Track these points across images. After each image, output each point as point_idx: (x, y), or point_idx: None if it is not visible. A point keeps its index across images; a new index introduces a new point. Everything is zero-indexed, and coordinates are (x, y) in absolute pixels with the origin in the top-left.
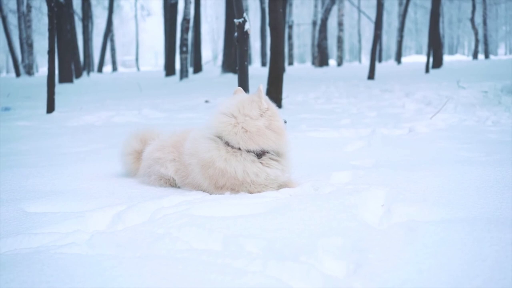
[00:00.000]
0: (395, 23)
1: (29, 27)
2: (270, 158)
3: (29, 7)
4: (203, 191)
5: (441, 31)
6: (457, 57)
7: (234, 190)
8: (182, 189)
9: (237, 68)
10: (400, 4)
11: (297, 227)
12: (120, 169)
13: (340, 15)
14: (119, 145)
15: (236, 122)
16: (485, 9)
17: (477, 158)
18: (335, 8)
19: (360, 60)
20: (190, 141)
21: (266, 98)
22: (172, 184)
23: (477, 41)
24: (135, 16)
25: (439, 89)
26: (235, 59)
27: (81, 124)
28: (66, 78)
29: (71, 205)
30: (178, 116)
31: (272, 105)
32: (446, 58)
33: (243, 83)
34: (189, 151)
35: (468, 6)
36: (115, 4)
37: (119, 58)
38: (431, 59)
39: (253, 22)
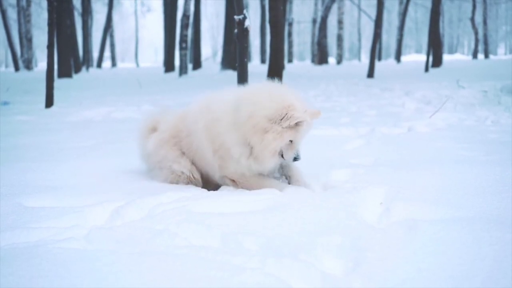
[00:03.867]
0: (395, 22)
1: (28, 21)
2: None
3: (29, 1)
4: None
5: (441, 30)
6: (457, 56)
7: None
8: (180, 185)
9: (236, 65)
10: (401, 3)
11: (296, 225)
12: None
13: (340, 13)
14: (118, 141)
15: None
16: (485, 9)
17: (476, 157)
18: (335, 6)
19: (359, 59)
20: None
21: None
22: (183, 179)
23: (477, 40)
24: (135, 12)
25: (439, 89)
26: (234, 56)
27: (80, 120)
28: (65, 73)
29: (69, 200)
30: None
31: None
32: (446, 57)
33: (243, 80)
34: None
35: (469, 6)
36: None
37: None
38: (431, 58)
39: (253, 19)
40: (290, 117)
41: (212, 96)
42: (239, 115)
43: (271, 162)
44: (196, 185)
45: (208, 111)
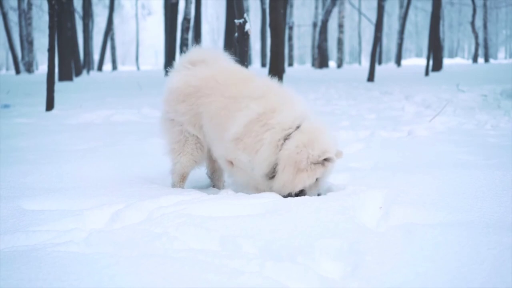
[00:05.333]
0: (396, 26)
1: (29, 24)
2: None
3: (29, 4)
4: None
5: (441, 34)
6: (457, 60)
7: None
8: (180, 189)
9: None
10: (401, 6)
11: (294, 228)
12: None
13: (341, 17)
14: (118, 144)
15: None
16: (485, 13)
17: (476, 161)
18: (335, 10)
19: (360, 62)
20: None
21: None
22: (190, 142)
23: (477, 44)
24: (136, 15)
25: (439, 92)
26: (235, 60)
27: (80, 122)
28: (66, 76)
29: (69, 203)
30: None
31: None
32: (446, 61)
33: None
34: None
35: (469, 10)
36: (116, 2)
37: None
38: (431, 62)
39: (253, 23)
40: (322, 155)
41: (285, 95)
42: (289, 145)
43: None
44: (200, 151)
45: (270, 110)
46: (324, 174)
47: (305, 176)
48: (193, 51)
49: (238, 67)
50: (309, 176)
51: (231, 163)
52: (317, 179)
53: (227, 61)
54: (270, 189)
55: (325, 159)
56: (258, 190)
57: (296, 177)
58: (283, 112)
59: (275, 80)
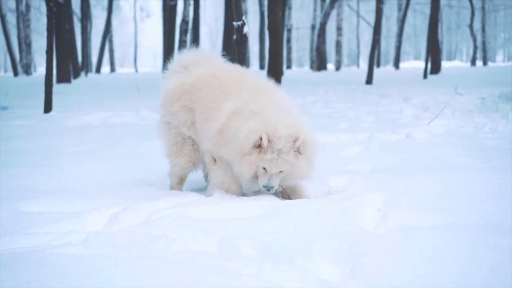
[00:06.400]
0: (394, 28)
1: (27, 26)
2: None
3: (28, 6)
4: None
5: (439, 37)
6: (456, 63)
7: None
8: (178, 191)
9: None
10: (399, 9)
11: (293, 230)
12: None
13: (339, 20)
14: (116, 146)
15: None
16: (484, 16)
17: (474, 164)
18: (334, 13)
19: (358, 65)
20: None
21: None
22: (188, 144)
23: (475, 47)
24: (134, 17)
25: (437, 95)
26: (233, 62)
27: (79, 124)
28: (64, 78)
29: (67, 205)
30: None
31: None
32: (445, 64)
33: None
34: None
35: (467, 13)
36: (114, 4)
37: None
38: (429, 65)
39: (252, 25)
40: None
41: (276, 98)
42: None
43: (246, 178)
44: (197, 152)
45: (255, 110)
46: (265, 164)
47: (247, 160)
48: (185, 54)
49: (235, 66)
50: (250, 160)
51: (215, 160)
52: (265, 169)
53: (221, 62)
54: (240, 194)
55: (259, 149)
56: (227, 193)
57: (241, 162)
58: (262, 115)
59: (271, 81)
